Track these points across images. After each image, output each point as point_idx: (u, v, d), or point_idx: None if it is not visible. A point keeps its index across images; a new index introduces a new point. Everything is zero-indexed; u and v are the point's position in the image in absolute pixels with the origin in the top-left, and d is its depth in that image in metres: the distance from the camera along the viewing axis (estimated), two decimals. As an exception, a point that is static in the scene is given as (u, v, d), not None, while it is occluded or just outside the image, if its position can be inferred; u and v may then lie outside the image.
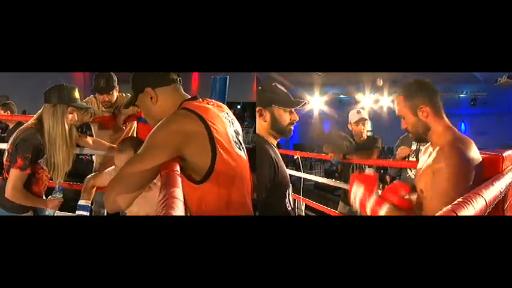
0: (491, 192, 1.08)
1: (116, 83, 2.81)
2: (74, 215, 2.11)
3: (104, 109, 2.84)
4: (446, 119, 1.46)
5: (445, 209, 0.88)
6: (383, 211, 1.39)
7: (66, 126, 2.09)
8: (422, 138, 1.48)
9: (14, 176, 2.00)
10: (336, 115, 12.14)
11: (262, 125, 1.70)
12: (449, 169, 1.31)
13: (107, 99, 2.79)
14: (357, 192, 1.47)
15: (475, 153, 1.38)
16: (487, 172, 1.44)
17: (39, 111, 2.11)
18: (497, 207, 1.43)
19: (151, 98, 1.45)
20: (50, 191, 2.25)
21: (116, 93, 2.83)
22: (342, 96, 12.50)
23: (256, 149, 1.63)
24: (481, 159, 1.39)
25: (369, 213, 1.43)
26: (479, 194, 0.99)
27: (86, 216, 2.01)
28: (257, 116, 1.71)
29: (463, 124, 11.12)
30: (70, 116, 2.10)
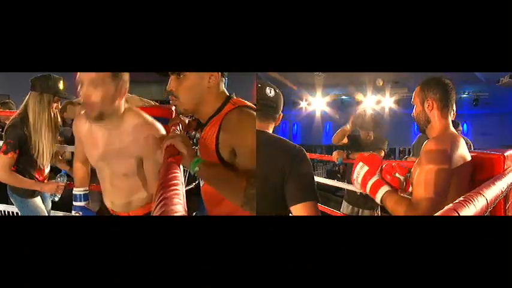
0: (493, 191, 1.08)
1: None
2: (73, 215, 2.11)
3: None
4: (449, 120, 1.50)
5: (446, 207, 0.88)
6: (379, 194, 1.47)
7: (52, 114, 2.23)
8: (423, 129, 1.56)
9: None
10: (337, 116, 12.11)
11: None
12: (429, 166, 1.36)
13: None
14: (360, 171, 1.54)
15: (460, 153, 1.40)
16: (489, 172, 1.44)
17: (25, 99, 2.22)
18: (499, 207, 1.43)
19: (209, 78, 1.39)
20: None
21: None
22: (343, 97, 12.47)
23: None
24: (468, 159, 1.42)
25: (368, 192, 1.52)
26: (480, 193, 0.99)
27: (84, 216, 2.00)
28: (279, 121, 1.63)
29: (465, 124, 11.09)
30: (55, 104, 2.25)
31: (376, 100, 11.46)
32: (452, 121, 2.53)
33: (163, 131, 1.61)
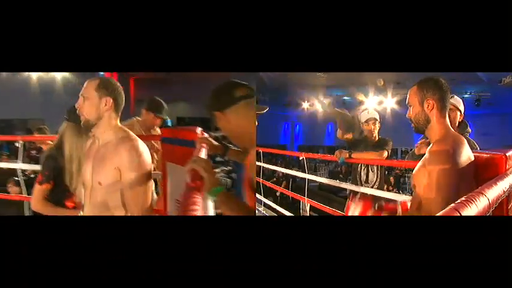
0: (495, 191, 1.07)
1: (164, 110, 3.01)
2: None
3: (143, 132, 2.97)
4: (447, 121, 1.49)
5: (447, 207, 0.87)
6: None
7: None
8: (421, 130, 1.53)
9: (35, 188, 2.21)
10: (339, 116, 12.09)
11: None
12: (438, 169, 1.36)
13: (156, 122, 2.98)
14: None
15: (465, 153, 1.40)
16: (491, 172, 1.43)
17: (61, 129, 2.27)
18: (501, 207, 1.43)
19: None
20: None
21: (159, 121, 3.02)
22: (346, 97, 12.48)
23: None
24: (472, 159, 1.42)
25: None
26: (482, 193, 0.98)
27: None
28: None
29: (467, 125, 11.06)
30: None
31: (378, 101, 11.48)
32: (460, 122, 2.52)
33: (142, 148, 1.67)
